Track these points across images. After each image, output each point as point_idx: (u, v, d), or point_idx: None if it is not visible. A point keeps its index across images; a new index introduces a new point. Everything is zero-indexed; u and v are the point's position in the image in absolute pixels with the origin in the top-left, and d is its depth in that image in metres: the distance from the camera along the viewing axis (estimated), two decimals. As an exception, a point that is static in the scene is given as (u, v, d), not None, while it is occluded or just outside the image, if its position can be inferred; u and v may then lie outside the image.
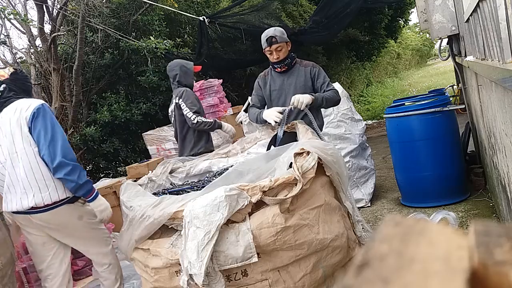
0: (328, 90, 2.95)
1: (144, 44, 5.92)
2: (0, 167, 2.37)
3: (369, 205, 4.13)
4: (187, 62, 3.64)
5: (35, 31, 5.92)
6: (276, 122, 2.77)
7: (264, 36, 2.94)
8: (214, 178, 2.42)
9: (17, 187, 2.32)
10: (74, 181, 2.32)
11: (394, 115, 3.76)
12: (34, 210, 2.33)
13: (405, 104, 4.14)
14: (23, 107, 2.35)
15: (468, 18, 2.55)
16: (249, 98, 4.50)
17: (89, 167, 6.60)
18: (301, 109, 2.75)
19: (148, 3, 6.07)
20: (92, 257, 2.63)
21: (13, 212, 2.40)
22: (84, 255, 2.73)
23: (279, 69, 3.00)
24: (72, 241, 2.54)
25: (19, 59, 6.24)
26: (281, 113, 2.77)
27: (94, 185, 3.73)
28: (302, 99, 2.71)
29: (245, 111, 5.12)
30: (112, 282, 2.76)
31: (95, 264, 2.67)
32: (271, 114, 2.80)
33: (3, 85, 2.42)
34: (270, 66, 3.08)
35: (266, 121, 2.90)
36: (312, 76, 2.99)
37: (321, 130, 2.96)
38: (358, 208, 3.50)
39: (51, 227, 2.42)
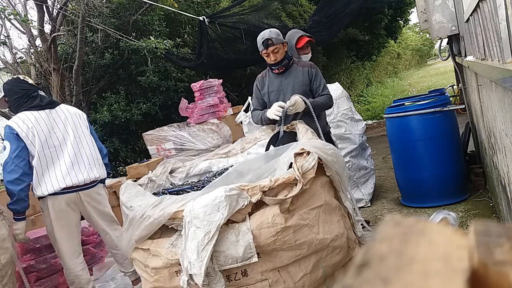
0: (323, 95, 2.98)
1: (144, 44, 5.91)
2: (52, 150, 2.81)
3: (369, 205, 4.13)
4: (294, 35, 3.39)
5: (35, 31, 5.91)
6: (276, 115, 2.78)
7: (260, 39, 2.94)
8: (214, 178, 2.42)
9: (82, 163, 2.90)
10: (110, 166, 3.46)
11: (394, 115, 3.76)
12: (87, 186, 2.90)
13: (405, 104, 4.14)
14: (76, 108, 3.15)
15: (468, 18, 2.56)
16: (249, 98, 4.51)
17: (89, 167, 6.59)
18: (290, 114, 2.80)
19: (148, 3, 6.07)
20: (109, 239, 3.08)
21: (66, 190, 2.79)
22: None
23: (276, 70, 3.00)
24: (101, 218, 3.02)
25: (19, 59, 6.23)
26: (282, 107, 2.77)
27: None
28: (296, 106, 2.75)
29: (245, 111, 5.12)
30: (128, 260, 2.93)
31: (109, 247, 3.13)
32: (272, 109, 2.82)
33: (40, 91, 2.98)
34: (268, 68, 3.08)
35: (269, 120, 2.90)
36: (310, 77, 2.99)
37: (320, 131, 2.96)
38: (358, 208, 3.49)
39: (92, 203, 2.95)
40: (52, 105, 2.95)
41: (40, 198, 2.82)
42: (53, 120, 2.88)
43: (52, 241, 2.90)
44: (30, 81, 2.97)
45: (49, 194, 2.76)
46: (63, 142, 2.86)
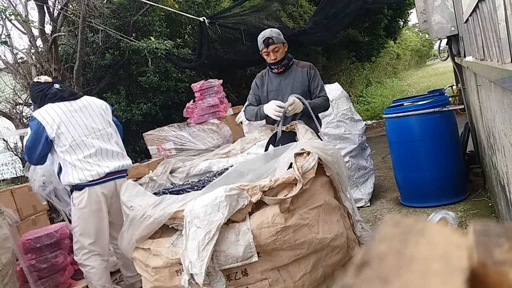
0: (320, 96, 2.97)
1: (144, 44, 5.91)
2: (84, 139, 2.85)
3: (369, 205, 4.13)
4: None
5: (36, 32, 5.91)
6: (276, 116, 2.76)
7: (260, 37, 2.95)
8: (214, 178, 2.42)
9: (111, 154, 2.95)
10: None
11: (394, 115, 3.76)
12: (120, 175, 2.96)
13: (404, 104, 4.14)
14: (101, 100, 3.21)
15: (467, 19, 2.56)
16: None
17: (89, 167, 6.58)
18: (289, 115, 2.80)
19: (149, 3, 6.07)
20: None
21: (101, 180, 2.84)
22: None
23: (276, 70, 3.00)
24: (118, 214, 2.87)
25: (20, 60, 6.23)
26: (281, 107, 2.76)
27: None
28: (295, 106, 2.74)
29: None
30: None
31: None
32: (271, 108, 2.79)
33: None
34: (267, 67, 3.08)
35: (266, 116, 2.88)
36: (309, 78, 3.00)
37: (319, 131, 2.96)
38: (358, 208, 3.50)
39: (117, 195, 2.86)
40: (74, 96, 3.01)
41: (74, 189, 2.86)
42: (77, 110, 2.93)
43: (79, 233, 2.89)
44: (42, 79, 3.01)
45: (87, 183, 2.81)
46: (92, 132, 2.91)
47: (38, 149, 2.79)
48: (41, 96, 2.90)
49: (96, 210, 2.87)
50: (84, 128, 2.89)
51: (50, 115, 2.80)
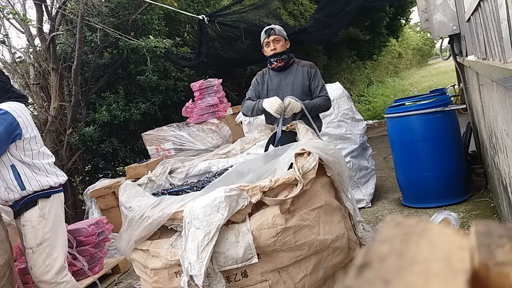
0: (320, 96, 2.95)
1: (143, 43, 5.91)
2: (43, 148, 2.72)
3: (370, 205, 4.12)
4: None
5: (34, 31, 5.91)
6: (277, 113, 2.74)
7: (263, 30, 3.01)
8: (214, 179, 2.41)
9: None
10: None
11: (395, 115, 3.75)
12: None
13: (406, 104, 4.13)
14: None
15: (469, 18, 2.55)
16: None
17: (88, 167, 6.59)
18: (287, 117, 2.78)
19: (148, 2, 6.07)
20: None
21: (61, 188, 2.77)
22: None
23: (275, 63, 2.97)
24: None
25: (18, 59, 6.23)
26: (282, 108, 2.73)
27: (93, 185, 3.75)
28: (292, 106, 2.72)
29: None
30: None
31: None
32: (273, 105, 2.75)
33: None
34: (268, 66, 3.07)
35: (263, 111, 2.87)
36: (309, 77, 2.98)
37: (319, 131, 2.95)
38: (359, 208, 3.49)
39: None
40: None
41: (40, 197, 2.62)
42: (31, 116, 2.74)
43: (52, 245, 2.64)
44: (5, 71, 2.73)
45: (56, 189, 2.67)
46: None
47: (3, 146, 2.45)
48: (2, 89, 2.57)
49: (63, 220, 2.74)
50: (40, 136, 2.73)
51: (25, 115, 2.57)
